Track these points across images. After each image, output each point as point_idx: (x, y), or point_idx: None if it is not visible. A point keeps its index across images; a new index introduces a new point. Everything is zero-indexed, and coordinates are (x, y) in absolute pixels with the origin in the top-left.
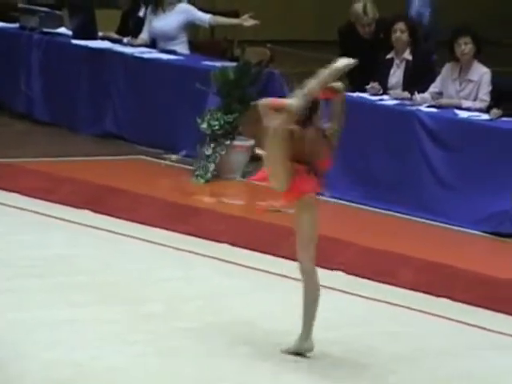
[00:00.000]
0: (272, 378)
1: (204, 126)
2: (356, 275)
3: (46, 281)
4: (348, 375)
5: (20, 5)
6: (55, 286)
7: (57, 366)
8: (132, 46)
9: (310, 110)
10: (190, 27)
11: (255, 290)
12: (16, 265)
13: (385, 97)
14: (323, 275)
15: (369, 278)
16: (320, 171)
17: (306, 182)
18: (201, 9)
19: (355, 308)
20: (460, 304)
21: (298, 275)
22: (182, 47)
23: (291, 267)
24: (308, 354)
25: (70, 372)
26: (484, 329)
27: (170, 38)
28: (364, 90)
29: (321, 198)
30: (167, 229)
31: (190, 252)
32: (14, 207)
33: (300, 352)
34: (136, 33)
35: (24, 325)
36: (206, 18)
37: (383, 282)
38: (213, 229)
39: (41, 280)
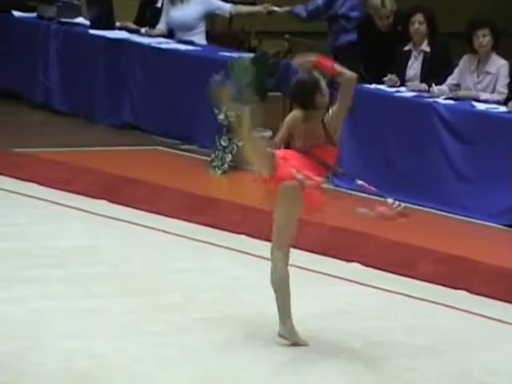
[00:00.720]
0: (289, 369)
1: (221, 116)
2: (375, 267)
3: (65, 271)
4: (367, 368)
5: None
6: (75, 277)
7: (77, 356)
8: (150, 36)
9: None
10: (209, 17)
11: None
12: (35, 255)
13: (402, 89)
14: (342, 268)
15: (387, 271)
16: (322, 160)
17: (285, 171)
18: None
19: (374, 301)
20: (479, 297)
21: (316, 267)
22: (199, 38)
23: (309, 259)
24: (285, 341)
25: (89, 362)
26: (503, 322)
27: (189, 28)
28: (382, 82)
29: (339, 189)
30: (185, 219)
31: (207, 243)
32: (33, 197)
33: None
34: (153, 23)
35: (44, 315)
36: (226, 7)
37: (402, 275)
38: (230, 220)
39: (60, 270)
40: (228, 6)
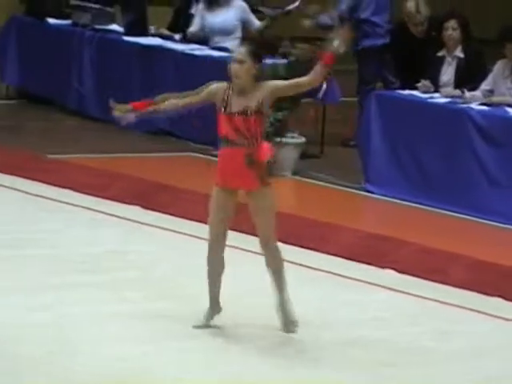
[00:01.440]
0: (315, 372)
1: None
2: (407, 273)
3: (97, 277)
4: (398, 374)
5: (72, 1)
6: (107, 282)
7: (107, 361)
8: (185, 40)
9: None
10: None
11: (301, 284)
12: (68, 261)
13: (436, 95)
14: (375, 274)
15: (420, 277)
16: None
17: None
18: (253, 7)
19: (406, 307)
20: None
21: (349, 273)
22: (235, 43)
23: (342, 265)
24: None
25: (120, 367)
26: None
27: (228, 33)
28: (415, 88)
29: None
30: None
31: (237, 248)
32: (66, 203)
33: None
34: (187, 29)
35: (76, 320)
36: (256, 24)
37: (435, 281)
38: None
39: (93, 276)
40: (257, 24)
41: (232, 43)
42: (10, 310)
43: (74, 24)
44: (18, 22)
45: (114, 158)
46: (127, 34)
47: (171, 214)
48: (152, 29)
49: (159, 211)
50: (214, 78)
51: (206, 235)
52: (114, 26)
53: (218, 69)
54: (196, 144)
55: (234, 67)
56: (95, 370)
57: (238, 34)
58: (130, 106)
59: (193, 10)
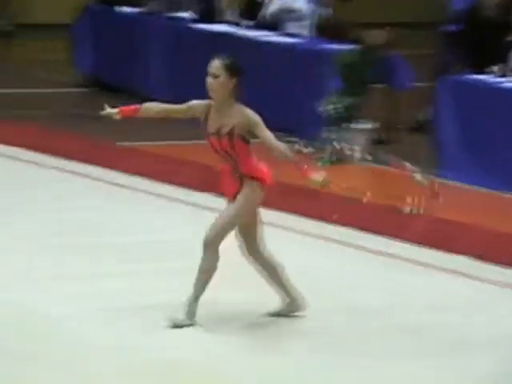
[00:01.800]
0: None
1: (325, 109)
2: (481, 259)
3: (163, 264)
4: (460, 363)
5: None
6: (171, 270)
7: (174, 346)
8: (256, 27)
9: None
10: None
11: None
12: (133, 249)
13: (509, 79)
14: (447, 259)
15: (494, 262)
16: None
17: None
18: None
19: (479, 293)
20: None
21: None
22: (306, 29)
23: (417, 251)
24: None
25: (193, 355)
26: None
27: (298, 18)
28: (486, 72)
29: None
30: (283, 210)
31: (310, 235)
32: (137, 190)
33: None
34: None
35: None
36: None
37: (509, 266)
38: (332, 212)
39: (158, 264)
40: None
41: (304, 29)
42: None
43: (146, 11)
44: (91, 11)
45: (181, 145)
46: (198, 21)
47: None
48: (224, 15)
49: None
50: (283, 64)
51: (274, 219)
52: (185, 14)
53: (287, 54)
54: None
55: (208, 81)
56: (159, 356)
57: (309, 20)
58: (117, 110)
59: None
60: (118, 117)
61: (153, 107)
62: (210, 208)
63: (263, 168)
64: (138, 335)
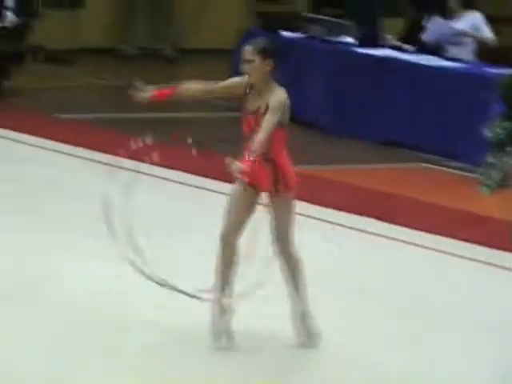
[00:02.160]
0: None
1: (489, 133)
2: None
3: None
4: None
5: (304, 14)
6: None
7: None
8: (419, 51)
9: None
10: None
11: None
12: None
13: None
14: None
15: None
16: None
17: None
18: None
19: None
20: None
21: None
22: (468, 53)
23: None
24: None
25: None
26: None
27: (459, 42)
28: None
29: None
30: (449, 236)
31: (477, 260)
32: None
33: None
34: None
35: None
36: (488, 36)
37: None
38: (497, 237)
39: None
40: (490, 37)
41: (465, 52)
42: None
43: (308, 36)
44: (252, 35)
45: (344, 169)
46: (361, 45)
47: (400, 224)
48: (387, 39)
49: (389, 221)
50: (444, 88)
51: (436, 245)
52: (347, 38)
53: (449, 78)
54: (423, 154)
55: (244, 67)
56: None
57: (471, 43)
58: (149, 95)
59: (424, 22)
60: (145, 98)
61: (188, 88)
62: (372, 233)
63: (291, 170)
64: None
